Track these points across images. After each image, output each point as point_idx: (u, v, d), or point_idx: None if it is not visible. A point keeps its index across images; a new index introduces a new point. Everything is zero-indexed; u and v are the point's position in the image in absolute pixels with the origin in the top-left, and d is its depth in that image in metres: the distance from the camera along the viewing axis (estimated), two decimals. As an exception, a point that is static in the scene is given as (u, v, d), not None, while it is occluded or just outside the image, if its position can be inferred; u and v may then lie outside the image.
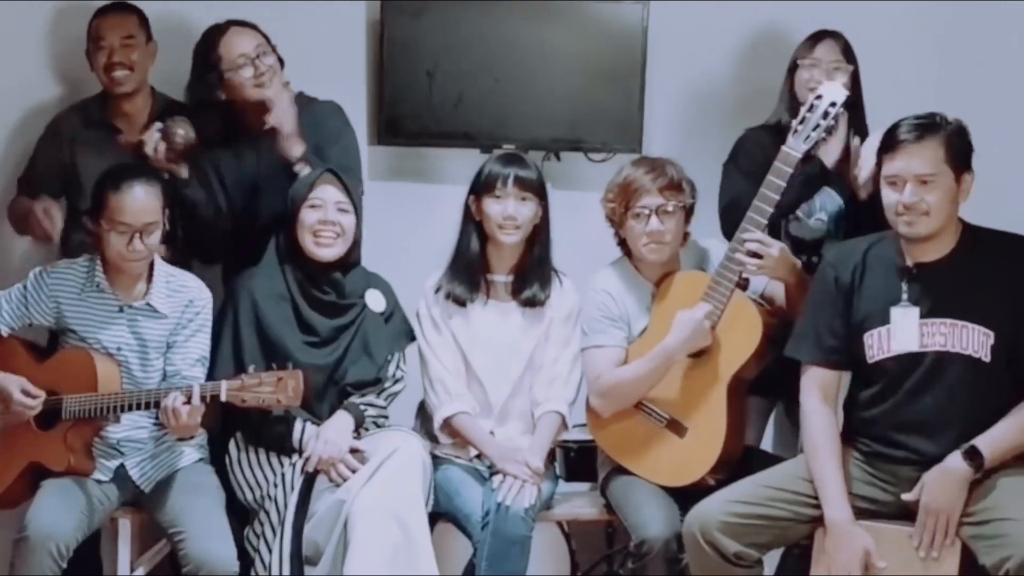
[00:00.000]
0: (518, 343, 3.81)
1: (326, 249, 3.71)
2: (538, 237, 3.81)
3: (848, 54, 3.94)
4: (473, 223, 3.81)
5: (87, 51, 4.07)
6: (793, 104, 3.90)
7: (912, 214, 3.29)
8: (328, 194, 3.72)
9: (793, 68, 3.96)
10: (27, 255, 4.23)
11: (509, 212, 3.73)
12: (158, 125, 3.84)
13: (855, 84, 3.93)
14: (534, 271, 3.82)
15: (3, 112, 4.30)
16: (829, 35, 3.96)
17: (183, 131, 3.82)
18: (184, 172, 3.86)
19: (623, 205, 3.66)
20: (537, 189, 3.78)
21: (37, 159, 4.13)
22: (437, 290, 3.82)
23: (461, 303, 3.80)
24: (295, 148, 3.86)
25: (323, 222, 3.70)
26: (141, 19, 4.07)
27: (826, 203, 3.94)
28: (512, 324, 3.82)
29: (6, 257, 4.31)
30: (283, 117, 3.84)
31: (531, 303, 3.81)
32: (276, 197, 3.85)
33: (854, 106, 3.89)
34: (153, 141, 3.82)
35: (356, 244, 3.81)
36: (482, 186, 3.77)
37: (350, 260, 3.79)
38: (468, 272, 3.80)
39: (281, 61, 3.97)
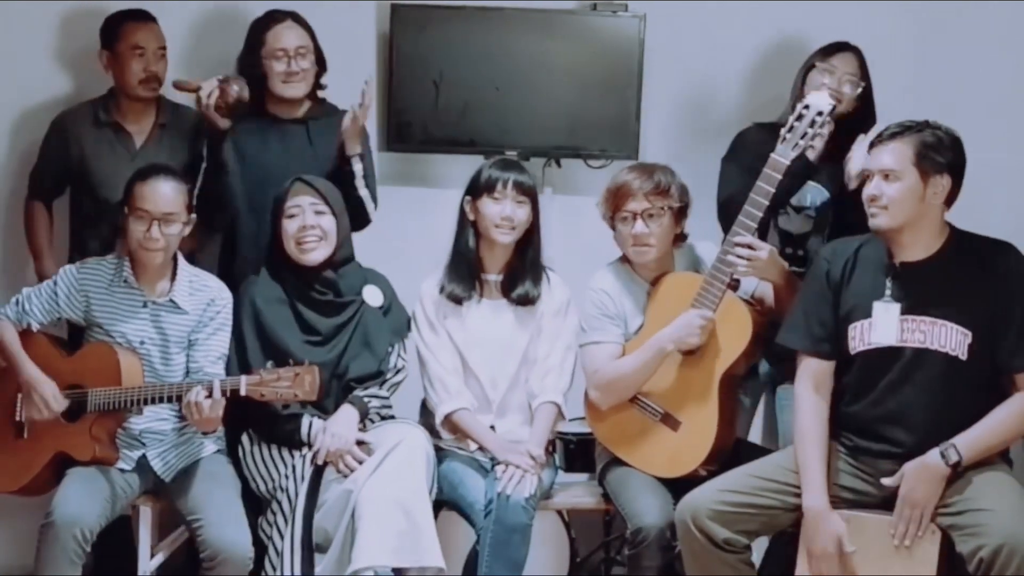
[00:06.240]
0: (512, 339, 3.87)
1: (311, 254, 3.76)
2: (530, 239, 3.87)
3: (864, 70, 3.99)
4: (468, 223, 3.86)
5: (108, 52, 4.09)
6: (796, 99, 3.90)
7: (874, 206, 3.38)
8: (303, 201, 3.77)
9: (808, 69, 4.00)
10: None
11: (507, 213, 3.79)
12: (219, 76, 3.92)
13: (867, 100, 3.98)
14: (526, 271, 3.88)
15: (7, 110, 4.34)
16: (849, 48, 4.01)
17: (238, 87, 3.90)
18: (225, 124, 3.93)
19: (611, 209, 3.74)
20: (532, 193, 3.85)
21: (44, 158, 4.15)
22: (441, 290, 3.87)
23: (458, 301, 3.85)
24: (358, 143, 3.98)
25: (303, 228, 3.75)
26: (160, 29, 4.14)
27: (815, 198, 4.00)
28: (505, 321, 3.89)
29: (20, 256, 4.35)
30: (366, 112, 3.94)
31: (524, 301, 3.87)
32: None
33: (866, 117, 3.95)
34: (210, 87, 3.88)
35: (345, 242, 3.85)
36: (481, 188, 3.82)
37: (337, 259, 3.83)
38: (466, 270, 3.86)
39: (323, 65, 4.09)
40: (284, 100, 4.08)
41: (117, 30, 4.09)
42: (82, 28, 4.22)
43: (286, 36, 4.04)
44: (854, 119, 3.93)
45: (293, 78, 4.03)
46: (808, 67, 4.02)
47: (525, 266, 3.89)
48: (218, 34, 4.30)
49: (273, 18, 4.07)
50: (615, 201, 3.73)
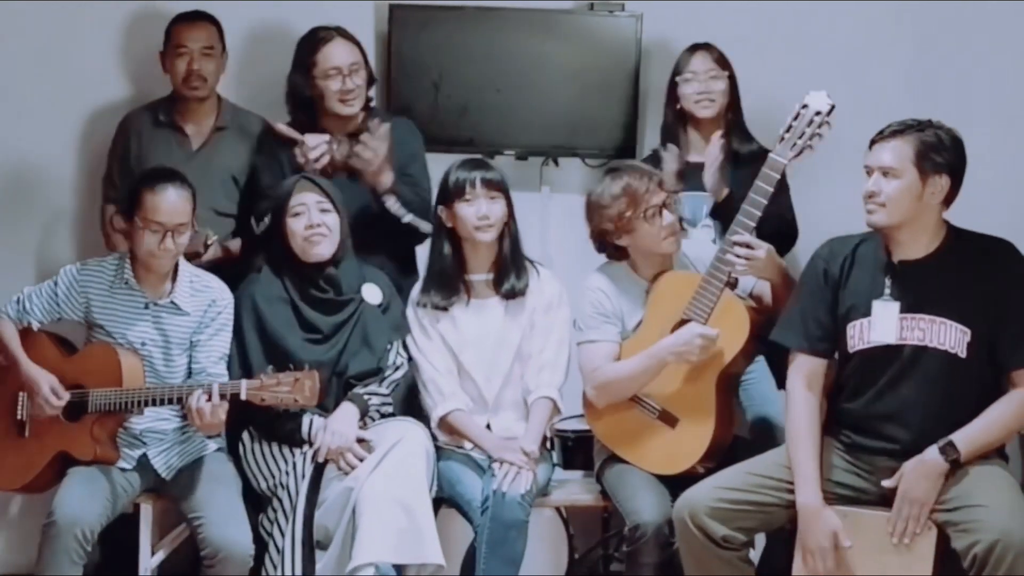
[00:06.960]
0: (504, 337, 3.89)
1: (319, 247, 3.77)
2: (507, 232, 3.88)
3: (722, 62, 4.10)
4: (444, 230, 3.87)
5: (163, 53, 4.13)
6: (673, 115, 4.11)
7: (872, 202, 3.39)
8: (308, 199, 3.79)
9: (673, 85, 4.12)
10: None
11: (483, 211, 3.80)
12: (326, 137, 3.93)
13: (733, 89, 4.10)
14: (509, 264, 3.89)
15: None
16: (702, 47, 4.13)
17: (343, 151, 3.91)
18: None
19: (633, 211, 3.71)
20: (503, 188, 3.86)
21: (112, 161, 4.19)
22: (419, 303, 3.89)
23: (442, 309, 3.87)
24: (386, 178, 3.93)
25: (309, 226, 3.76)
26: (219, 30, 4.15)
27: (699, 207, 4.06)
28: (496, 319, 3.90)
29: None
30: (373, 158, 3.89)
31: (511, 295, 3.88)
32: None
33: (733, 110, 4.09)
34: (319, 150, 3.92)
35: (346, 239, 3.85)
36: (452, 193, 3.82)
37: (339, 256, 3.84)
38: (444, 278, 3.87)
39: (372, 79, 4.05)
40: (339, 116, 4.03)
41: (168, 31, 4.14)
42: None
43: (338, 54, 3.99)
44: (735, 110, 4.11)
45: (349, 95, 4.00)
46: (672, 83, 4.14)
47: (507, 260, 3.90)
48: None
49: (322, 36, 4.02)
50: (635, 203, 3.70)
